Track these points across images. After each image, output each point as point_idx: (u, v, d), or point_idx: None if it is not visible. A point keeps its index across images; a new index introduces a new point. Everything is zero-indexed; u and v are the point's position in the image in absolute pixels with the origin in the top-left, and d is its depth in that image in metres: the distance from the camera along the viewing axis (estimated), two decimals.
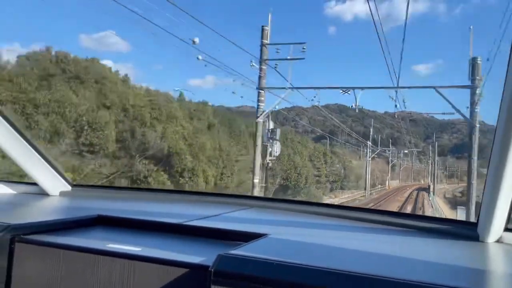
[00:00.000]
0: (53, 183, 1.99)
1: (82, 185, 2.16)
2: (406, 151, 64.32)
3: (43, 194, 1.99)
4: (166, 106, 16.60)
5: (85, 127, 13.39)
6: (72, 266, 1.12)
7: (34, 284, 1.15)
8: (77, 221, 1.41)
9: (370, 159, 36.36)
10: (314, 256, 1.09)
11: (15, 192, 2.04)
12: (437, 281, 0.83)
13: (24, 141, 1.80)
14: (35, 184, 1.98)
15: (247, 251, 1.02)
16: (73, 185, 2.07)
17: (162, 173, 15.25)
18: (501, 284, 0.95)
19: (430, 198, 33.44)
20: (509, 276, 1.01)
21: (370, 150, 36.85)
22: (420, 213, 23.68)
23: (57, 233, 1.28)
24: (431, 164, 44.96)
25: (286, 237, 1.27)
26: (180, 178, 15.63)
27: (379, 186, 49.94)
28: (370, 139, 38.89)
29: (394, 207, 25.52)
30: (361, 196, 34.68)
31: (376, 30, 12.09)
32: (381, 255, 1.13)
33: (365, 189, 36.56)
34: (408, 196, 37.10)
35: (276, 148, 13.51)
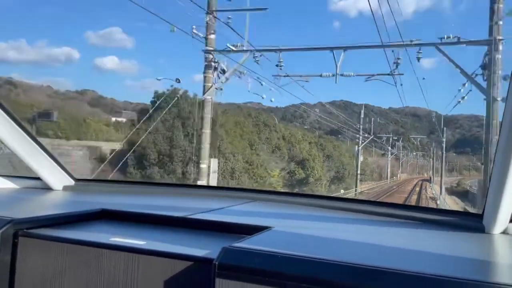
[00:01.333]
0: (57, 178, 2.01)
1: (85, 180, 2.19)
2: (415, 153, 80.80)
3: (47, 188, 2.02)
4: (297, 134, 33.87)
5: (284, 150, 30.87)
6: (76, 260, 1.13)
7: (38, 278, 1.16)
8: (81, 215, 1.42)
9: (390, 158, 53.70)
10: (319, 248, 1.09)
11: (18, 187, 2.06)
12: (443, 272, 0.84)
13: (27, 136, 1.82)
14: (38, 178, 2.00)
15: (252, 244, 1.03)
16: (76, 180, 2.09)
17: (300, 170, 32.31)
18: (508, 276, 0.94)
19: (431, 185, 50.39)
20: None
21: (390, 153, 54.11)
22: (424, 193, 38.43)
23: (60, 227, 1.29)
24: (432, 160, 60.78)
25: (290, 229, 1.28)
26: (307, 171, 32.73)
27: (394, 177, 67.18)
28: (390, 144, 55.86)
29: (408, 189, 42.49)
30: (384, 184, 51.85)
31: (377, 27, 12.09)
32: (386, 247, 1.14)
33: (386, 178, 53.85)
34: (415, 184, 54.16)
35: (361, 157, 30.62)
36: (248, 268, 0.93)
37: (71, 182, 2.06)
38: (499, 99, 10.00)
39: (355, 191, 29.47)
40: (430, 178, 60.97)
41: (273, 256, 0.94)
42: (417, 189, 44.08)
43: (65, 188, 2.03)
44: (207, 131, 11.47)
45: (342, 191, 30.96)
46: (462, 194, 45.10)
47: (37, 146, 1.87)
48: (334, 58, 12.48)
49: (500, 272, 0.99)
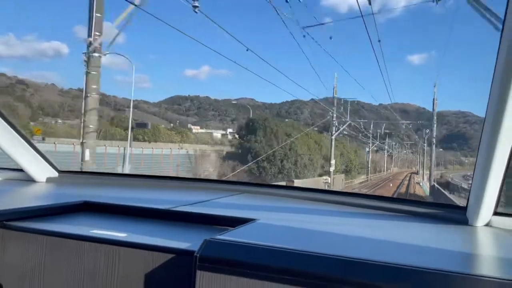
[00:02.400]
0: (40, 169, 2.02)
1: (69, 172, 2.19)
2: (405, 151, 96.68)
3: (30, 180, 2.03)
4: (323, 138, 49.05)
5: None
6: (57, 253, 1.14)
7: (18, 271, 1.16)
8: (63, 207, 1.42)
9: (386, 155, 69.57)
10: (303, 241, 1.11)
11: (0, 179, 2.06)
12: (426, 264, 0.86)
13: (10, 127, 1.82)
14: (21, 170, 2.01)
15: (234, 236, 1.04)
16: (60, 171, 2.11)
17: (327, 164, 47.53)
18: (490, 267, 0.97)
19: (417, 176, 65.84)
20: (498, 259, 1.04)
21: (386, 151, 69.89)
22: (412, 180, 52.71)
23: (41, 219, 1.29)
24: (420, 156, 75.93)
25: (274, 222, 1.30)
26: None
27: (388, 170, 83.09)
28: (387, 144, 71.27)
29: (401, 178, 57.77)
30: (381, 175, 67.36)
31: (365, 24, 14.17)
32: (370, 239, 1.16)
33: (380, 171, 69.53)
34: (405, 176, 69.50)
35: (370, 155, 45.83)
36: (230, 260, 0.93)
37: (55, 174, 2.08)
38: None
39: (367, 178, 44.72)
40: (418, 171, 76.51)
41: (255, 248, 0.95)
42: (407, 178, 59.53)
43: (49, 180, 2.05)
44: (332, 148, 28.14)
45: (362, 176, 46.14)
46: (444, 184, 58.83)
47: (19, 137, 1.87)
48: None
49: (482, 264, 1.01)
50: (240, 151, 34.41)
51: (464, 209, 1.43)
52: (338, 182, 33.95)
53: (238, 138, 36.54)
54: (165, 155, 33.85)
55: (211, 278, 0.93)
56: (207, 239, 1.00)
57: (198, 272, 0.94)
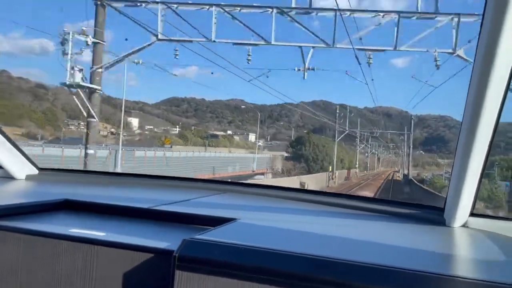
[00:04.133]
0: (19, 167, 2.02)
1: (49, 169, 2.20)
2: (390, 155, 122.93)
3: (8, 177, 2.03)
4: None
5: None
6: (34, 252, 1.13)
7: None
8: (42, 206, 1.42)
9: (377, 156, 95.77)
10: (282, 240, 1.14)
11: None
12: (402, 265, 0.88)
13: None
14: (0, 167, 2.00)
15: (214, 236, 1.06)
16: (40, 169, 2.11)
17: (340, 163, 72.87)
18: (465, 268, 1.01)
19: (398, 173, 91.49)
20: (473, 260, 1.09)
21: (376, 154, 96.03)
22: (395, 176, 78.99)
23: (19, 218, 1.28)
24: (402, 157, 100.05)
25: (255, 221, 1.32)
26: (345, 164, 73.37)
27: (377, 169, 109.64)
28: (375, 150, 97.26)
29: (385, 175, 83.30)
30: (373, 172, 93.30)
31: (345, 26, 14.24)
32: (349, 239, 1.20)
33: (370, 169, 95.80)
34: (389, 173, 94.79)
35: (369, 158, 71.47)
36: (208, 260, 0.95)
37: (35, 171, 2.09)
38: None
39: (367, 172, 70.35)
40: (399, 170, 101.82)
41: (235, 248, 0.97)
42: (391, 175, 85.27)
43: (28, 177, 2.05)
44: (357, 155, 55.67)
45: (365, 171, 71.72)
46: (419, 180, 67.21)
47: None
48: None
49: (458, 265, 1.04)
50: (295, 155, 59.38)
51: (441, 210, 1.47)
52: (357, 173, 59.53)
53: (291, 146, 61.63)
54: (238, 157, 45.12)
55: (189, 278, 0.95)
56: (186, 239, 1.01)
57: (177, 272, 0.96)
